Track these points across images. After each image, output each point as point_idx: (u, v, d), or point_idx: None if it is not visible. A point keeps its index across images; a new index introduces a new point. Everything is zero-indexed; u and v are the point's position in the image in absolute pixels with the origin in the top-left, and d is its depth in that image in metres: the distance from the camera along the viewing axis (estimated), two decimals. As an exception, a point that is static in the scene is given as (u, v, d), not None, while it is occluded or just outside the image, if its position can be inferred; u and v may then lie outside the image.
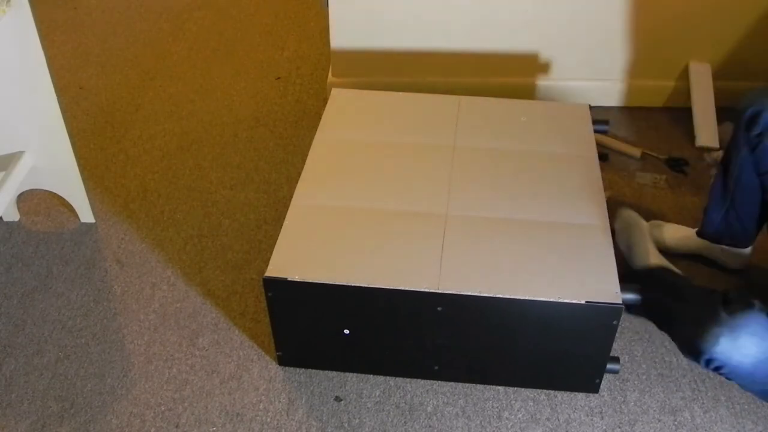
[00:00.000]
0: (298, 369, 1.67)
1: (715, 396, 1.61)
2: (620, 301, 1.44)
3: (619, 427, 1.56)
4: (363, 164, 1.77)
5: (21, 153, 1.89)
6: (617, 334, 1.49)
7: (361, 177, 1.74)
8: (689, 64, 2.36)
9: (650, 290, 1.57)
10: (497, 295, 1.46)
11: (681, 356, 1.67)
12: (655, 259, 1.72)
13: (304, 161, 1.78)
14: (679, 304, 1.54)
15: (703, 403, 1.60)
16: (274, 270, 1.51)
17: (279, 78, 2.65)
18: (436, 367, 1.62)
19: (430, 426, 1.57)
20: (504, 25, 2.29)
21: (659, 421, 1.57)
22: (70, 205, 2.05)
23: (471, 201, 1.67)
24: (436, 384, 1.64)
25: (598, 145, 1.85)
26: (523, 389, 1.63)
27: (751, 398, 1.60)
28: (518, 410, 1.59)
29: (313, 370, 1.67)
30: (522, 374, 1.61)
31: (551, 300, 1.45)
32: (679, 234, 1.86)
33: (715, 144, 2.23)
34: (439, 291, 1.47)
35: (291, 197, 1.68)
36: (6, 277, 1.90)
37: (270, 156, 2.29)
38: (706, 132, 2.25)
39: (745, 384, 1.45)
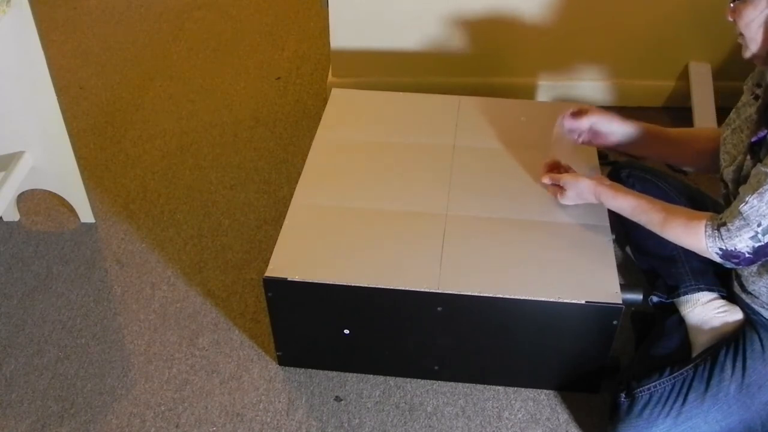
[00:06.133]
0: (298, 369, 1.67)
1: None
2: (620, 301, 1.44)
3: (619, 427, 1.56)
4: (363, 164, 1.77)
5: (21, 153, 1.89)
6: (617, 334, 1.49)
7: (361, 177, 1.73)
8: (689, 64, 2.36)
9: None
10: (497, 295, 1.46)
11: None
12: None
13: (304, 161, 1.78)
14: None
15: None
16: (274, 270, 1.51)
17: (279, 78, 2.65)
18: (436, 367, 1.62)
19: (430, 426, 1.57)
20: (504, 25, 2.29)
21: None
22: (70, 205, 2.05)
23: (471, 201, 1.67)
24: (436, 384, 1.64)
25: None
26: (523, 389, 1.63)
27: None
28: (518, 410, 1.59)
29: (313, 370, 1.67)
30: (522, 374, 1.61)
31: (551, 300, 1.45)
32: None
33: (715, 144, 2.23)
34: (439, 291, 1.47)
35: (291, 197, 1.68)
36: (6, 277, 1.90)
37: (270, 156, 2.29)
38: (706, 132, 2.25)
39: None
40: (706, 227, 1.33)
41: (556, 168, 1.66)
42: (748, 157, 1.36)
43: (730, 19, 1.31)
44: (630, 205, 1.46)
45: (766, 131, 1.30)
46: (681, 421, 1.38)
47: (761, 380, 1.37)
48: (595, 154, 1.80)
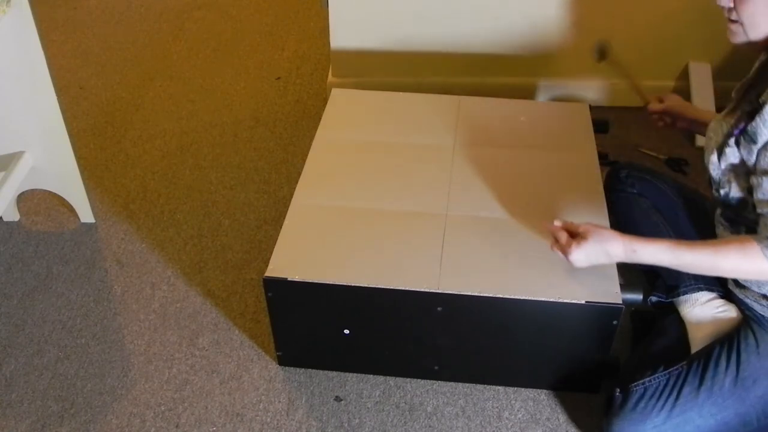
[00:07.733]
0: (298, 369, 1.67)
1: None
2: (620, 301, 1.44)
3: (619, 427, 1.56)
4: (363, 164, 1.77)
5: (21, 153, 1.89)
6: (617, 334, 1.49)
7: (361, 177, 1.73)
8: (689, 64, 2.36)
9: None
10: (497, 295, 1.46)
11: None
12: None
13: (304, 161, 1.78)
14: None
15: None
16: (274, 270, 1.51)
17: (279, 78, 2.65)
18: (436, 367, 1.62)
19: (430, 426, 1.57)
20: (504, 25, 2.29)
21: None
22: (70, 205, 2.05)
23: (471, 201, 1.67)
24: (436, 384, 1.64)
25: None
26: (523, 389, 1.63)
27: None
28: (518, 410, 1.59)
29: (313, 370, 1.67)
30: (522, 374, 1.61)
31: (551, 300, 1.45)
32: None
33: (715, 144, 2.23)
34: (439, 291, 1.47)
35: (291, 197, 1.68)
36: (6, 277, 1.90)
37: (270, 156, 2.29)
38: (706, 132, 2.25)
39: None
40: (760, 244, 1.27)
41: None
42: (729, 145, 1.37)
43: (728, 4, 1.30)
44: (668, 246, 1.34)
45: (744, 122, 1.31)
46: (675, 415, 1.38)
47: (756, 374, 1.37)
48: (595, 154, 1.80)
